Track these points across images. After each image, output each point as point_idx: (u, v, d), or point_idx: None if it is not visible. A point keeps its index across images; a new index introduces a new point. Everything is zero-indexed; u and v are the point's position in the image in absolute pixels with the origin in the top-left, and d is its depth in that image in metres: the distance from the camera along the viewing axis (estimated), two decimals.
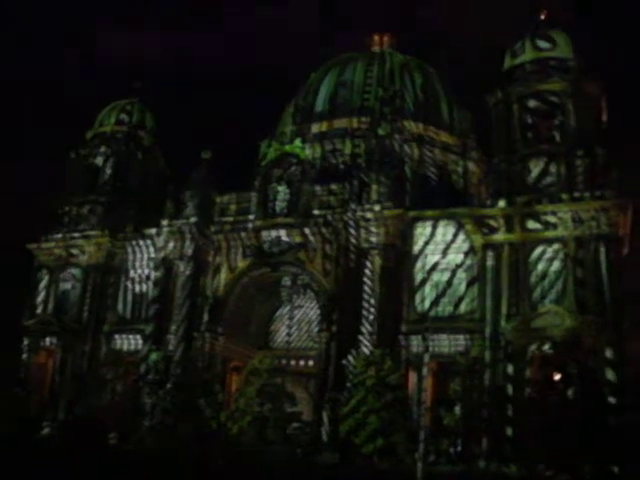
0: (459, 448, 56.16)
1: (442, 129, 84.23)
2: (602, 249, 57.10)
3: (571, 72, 63.57)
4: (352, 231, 64.31)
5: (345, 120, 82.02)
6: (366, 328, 60.87)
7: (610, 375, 53.15)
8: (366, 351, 59.10)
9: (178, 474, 33.25)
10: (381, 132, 69.88)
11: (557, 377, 48.95)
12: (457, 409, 56.81)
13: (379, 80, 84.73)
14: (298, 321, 72.60)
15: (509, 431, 53.77)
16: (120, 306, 75.67)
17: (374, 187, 65.23)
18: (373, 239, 63.59)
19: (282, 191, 69.60)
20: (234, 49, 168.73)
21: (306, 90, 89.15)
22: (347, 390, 56.90)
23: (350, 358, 59.38)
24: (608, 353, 53.86)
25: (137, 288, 75.55)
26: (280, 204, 69.21)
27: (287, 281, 71.96)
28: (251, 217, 69.85)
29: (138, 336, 71.48)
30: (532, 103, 63.99)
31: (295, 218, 67.68)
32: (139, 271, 75.61)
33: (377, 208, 63.99)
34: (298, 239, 67.21)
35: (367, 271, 62.80)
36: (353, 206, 64.83)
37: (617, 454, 45.79)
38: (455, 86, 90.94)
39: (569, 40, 65.81)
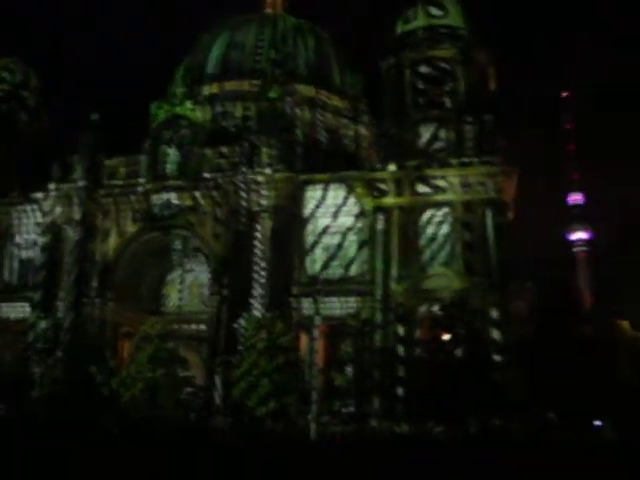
0: (351, 408, 57.05)
1: (334, 93, 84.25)
2: (489, 213, 58.91)
3: (461, 40, 64.69)
4: (243, 194, 63.73)
5: (236, 82, 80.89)
6: (257, 291, 60.74)
7: (495, 334, 55.15)
8: (257, 314, 59.02)
9: (69, 443, 32.32)
10: (272, 95, 69.35)
11: (446, 337, 50.23)
12: (349, 370, 57.62)
13: (271, 43, 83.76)
14: (189, 285, 71.72)
15: (400, 391, 54.83)
16: (6, 273, 72.85)
17: (265, 150, 64.79)
18: (264, 202, 63.28)
19: (172, 154, 68.16)
20: (123, 9, 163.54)
21: (197, 51, 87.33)
22: (239, 353, 56.71)
23: (241, 321, 59.18)
24: (494, 313, 55.90)
25: (24, 254, 72.87)
26: (170, 167, 67.81)
27: (178, 245, 70.71)
28: (141, 180, 68.22)
29: (26, 304, 69.04)
30: (423, 69, 64.79)
31: (185, 181, 66.54)
32: (25, 236, 72.91)
33: (268, 171, 63.68)
34: (188, 202, 66.14)
35: (258, 234, 62.52)
36: (244, 169, 64.22)
37: (501, 409, 47.56)
38: (347, 50, 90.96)
39: (460, 9, 66.85)
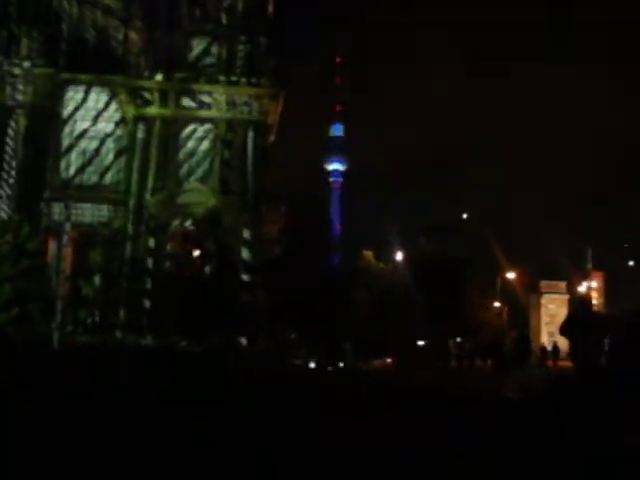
0: (97, 319, 56.20)
1: None
2: (250, 134, 59.61)
3: None
4: None
5: None
6: (5, 192, 57.44)
7: (245, 254, 56.51)
8: (4, 216, 55.94)
9: None
10: None
11: (196, 253, 50.65)
12: (96, 279, 56.49)
13: None
14: None
15: (147, 303, 54.78)
16: None
17: (25, 41, 60.51)
18: (20, 97, 59.36)
19: None
20: None
21: None
22: None
23: None
24: (246, 233, 57.18)
25: None
26: None
27: None
28: None
29: None
30: None
31: None
32: None
33: (26, 64, 59.62)
34: None
35: (10, 131, 58.78)
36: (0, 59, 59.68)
37: (247, 327, 49.03)
38: None
39: None
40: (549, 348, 52.74)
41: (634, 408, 9.21)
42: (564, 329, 14.61)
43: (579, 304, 16.20)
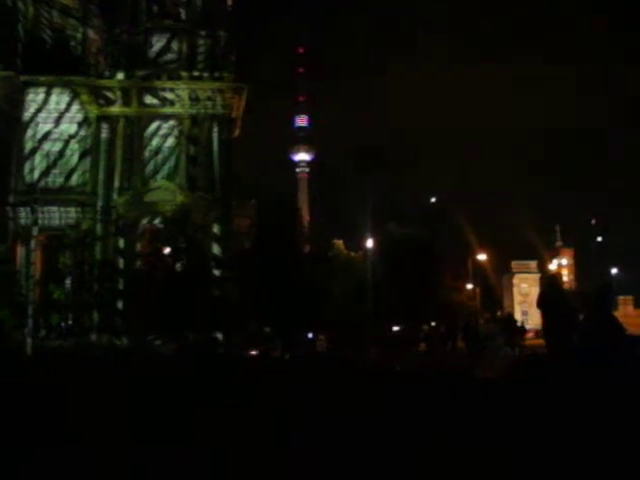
0: (70, 322, 55.76)
1: None
2: (215, 129, 59.46)
3: None
4: None
5: None
6: None
7: (216, 249, 56.41)
8: None
9: None
10: None
11: (166, 251, 50.40)
12: (67, 283, 56.03)
13: None
14: None
15: (120, 304, 54.41)
16: None
17: None
18: None
19: None
20: None
21: None
22: None
23: None
24: (215, 229, 57.11)
25: None
26: None
27: None
28: None
29: None
30: None
31: None
32: None
33: None
34: None
35: None
36: None
37: (220, 322, 48.90)
38: None
39: None
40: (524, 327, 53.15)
41: (601, 385, 9.40)
42: (538, 305, 14.84)
43: (548, 283, 16.38)
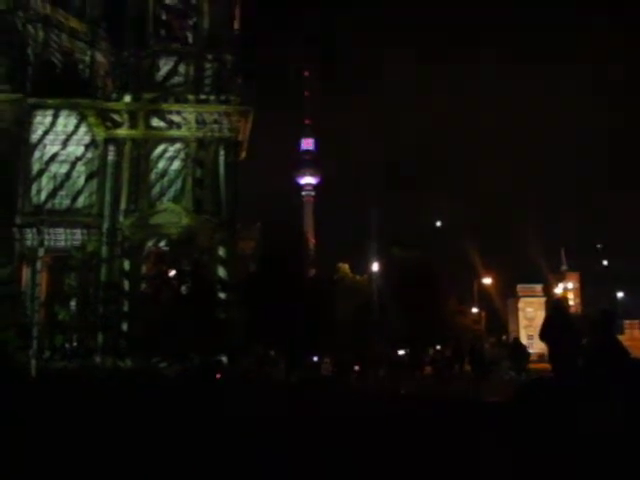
0: (75, 344, 55.69)
1: (72, 13, 79.45)
2: (222, 152, 59.69)
3: None
4: None
5: None
6: None
7: (221, 272, 56.37)
8: None
9: None
10: (1, 7, 64.18)
11: (172, 273, 50.38)
12: (72, 304, 56.01)
13: None
14: None
15: (124, 326, 54.36)
16: None
17: None
18: None
19: None
20: None
21: None
22: None
23: None
24: (221, 251, 57.10)
25: None
26: None
27: None
28: None
29: None
30: (169, 0, 63.18)
31: None
32: None
33: None
34: None
35: None
36: None
37: (226, 345, 48.80)
38: None
39: None
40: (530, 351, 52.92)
41: (605, 408, 9.35)
42: (542, 334, 14.74)
43: (555, 308, 16.31)
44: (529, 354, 45.51)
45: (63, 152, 60.80)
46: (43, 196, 60.09)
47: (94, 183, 60.05)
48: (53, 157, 60.72)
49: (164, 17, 62.95)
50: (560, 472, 7.03)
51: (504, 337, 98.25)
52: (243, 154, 66.15)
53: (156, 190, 59.47)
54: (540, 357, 71.55)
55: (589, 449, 7.80)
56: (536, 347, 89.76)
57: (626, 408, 9.24)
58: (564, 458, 7.48)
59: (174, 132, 60.01)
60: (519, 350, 38.75)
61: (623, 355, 10.97)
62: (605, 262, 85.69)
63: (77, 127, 61.01)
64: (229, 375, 40.32)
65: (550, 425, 9.30)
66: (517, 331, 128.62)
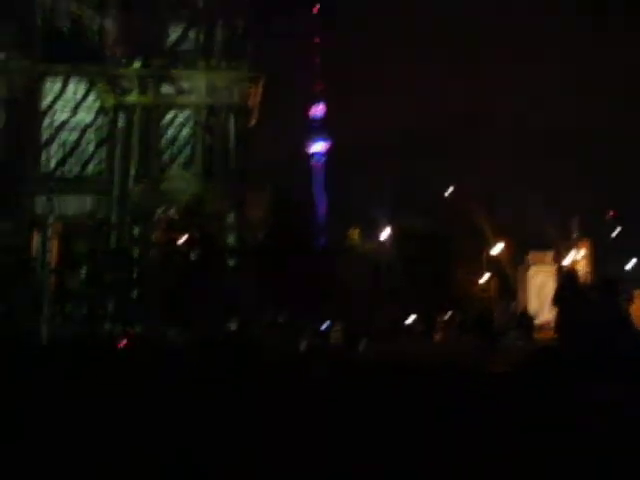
0: (84, 311, 56.00)
1: None
2: (232, 119, 59.45)
3: None
4: None
5: None
6: None
7: (231, 239, 56.50)
8: None
9: None
10: None
11: (181, 240, 50.51)
12: (82, 271, 56.29)
13: None
14: None
15: (134, 293, 54.61)
16: None
17: None
18: None
19: None
20: None
21: None
22: None
23: None
24: (230, 218, 57.17)
25: None
26: None
27: None
28: None
29: None
30: None
31: None
32: None
33: (1, 57, 59.07)
34: None
35: None
36: None
37: (235, 312, 48.92)
38: None
39: None
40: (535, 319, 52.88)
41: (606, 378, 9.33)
42: (554, 301, 14.75)
43: (565, 277, 16.28)
44: (533, 323, 45.59)
45: (73, 119, 60.70)
46: (53, 164, 60.21)
47: (104, 150, 60.08)
48: (63, 124, 60.65)
49: None
50: (558, 442, 7.00)
51: (513, 304, 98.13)
52: (254, 121, 65.88)
53: (166, 157, 59.53)
54: (547, 325, 71.47)
55: (588, 417, 7.77)
56: (546, 315, 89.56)
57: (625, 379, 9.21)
58: (564, 427, 7.45)
59: (184, 99, 59.83)
60: (526, 320, 38.85)
61: (625, 325, 10.92)
62: (617, 229, 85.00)
63: (87, 94, 60.90)
64: (238, 342, 40.44)
65: (551, 393, 9.28)
66: (526, 299, 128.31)
